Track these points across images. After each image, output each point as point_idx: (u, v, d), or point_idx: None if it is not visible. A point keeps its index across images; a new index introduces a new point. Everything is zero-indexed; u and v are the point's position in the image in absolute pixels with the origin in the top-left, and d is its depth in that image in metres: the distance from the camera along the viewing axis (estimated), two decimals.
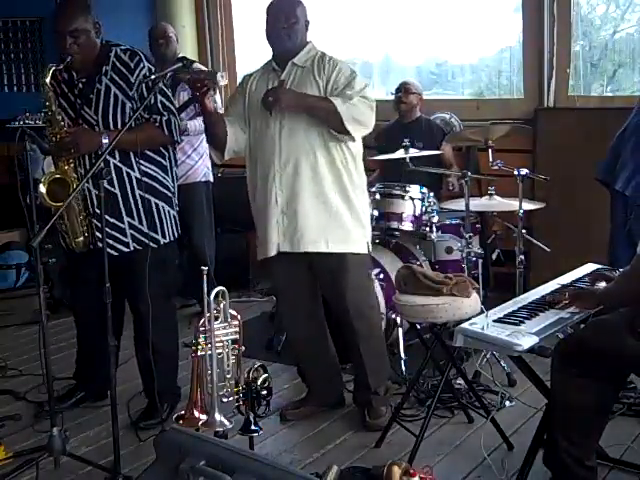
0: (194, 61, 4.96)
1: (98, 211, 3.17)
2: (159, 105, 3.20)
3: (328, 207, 3.16)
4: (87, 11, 3.17)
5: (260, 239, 3.28)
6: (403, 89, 4.92)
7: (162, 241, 3.31)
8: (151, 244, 3.24)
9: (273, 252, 3.21)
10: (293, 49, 3.19)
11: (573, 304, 2.67)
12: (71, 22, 3.10)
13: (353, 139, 3.14)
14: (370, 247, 3.33)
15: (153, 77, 3.04)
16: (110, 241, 3.16)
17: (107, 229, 3.17)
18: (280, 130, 3.14)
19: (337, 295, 3.30)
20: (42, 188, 3.12)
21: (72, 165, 3.19)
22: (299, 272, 3.31)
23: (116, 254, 3.20)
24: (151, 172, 3.26)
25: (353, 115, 3.05)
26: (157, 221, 3.29)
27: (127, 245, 3.25)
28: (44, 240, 2.76)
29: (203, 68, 4.72)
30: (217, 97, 4.64)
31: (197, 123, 4.53)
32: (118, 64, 3.19)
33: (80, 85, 3.22)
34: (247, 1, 6.26)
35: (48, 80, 3.11)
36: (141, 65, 3.19)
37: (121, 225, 3.22)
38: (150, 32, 4.79)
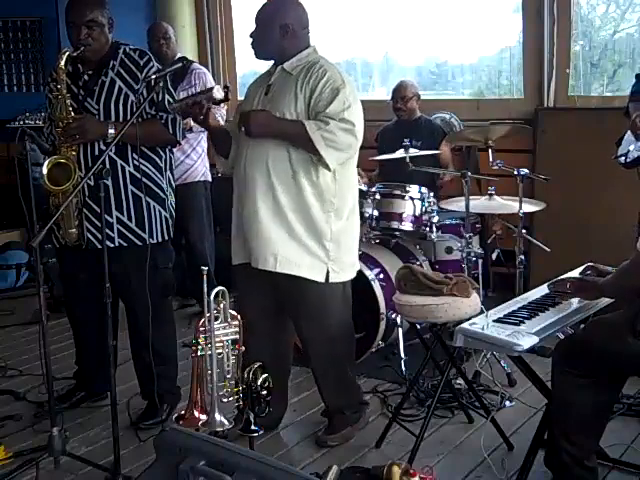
0: (193, 61, 4.97)
1: (89, 201, 3.17)
2: (166, 104, 3.21)
3: (284, 225, 2.97)
4: (103, 5, 3.19)
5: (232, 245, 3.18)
6: (399, 98, 4.88)
7: (149, 240, 3.19)
8: (137, 242, 3.22)
9: (236, 261, 3.13)
10: (275, 55, 3.03)
11: (575, 294, 2.68)
12: (87, 13, 3.11)
13: (328, 167, 2.91)
14: (332, 278, 3.03)
15: (153, 76, 3.04)
16: (97, 233, 3.15)
17: (95, 220, 3.17)
18: (248, 141, 2.99)
19: (294, 322, 3.20)
20: (44, 169, 3.07)
21: (74, 153, 3.16)
22: (261, 286, 3.10)
23: (100, 247, 3.14)
24: (145, 169, 3.23)
25: (327, 141, 2.86)
26: (146, 219, 3.21)
27: (112, 240, 3.18)
28: (44, 240, 2.75)
29: (206, 78, 4.73)
30: (223, 111, 4.68)
31: None
32: (127, 61, 3.21)
33: (85, 77, 3.22)
34: (247, 1, 6.27)
35: (62, 64, 3.09)
36: (150, 64, 3.22)
37: (109, 219, 3.16)
38: (149, 30, 4.79)
